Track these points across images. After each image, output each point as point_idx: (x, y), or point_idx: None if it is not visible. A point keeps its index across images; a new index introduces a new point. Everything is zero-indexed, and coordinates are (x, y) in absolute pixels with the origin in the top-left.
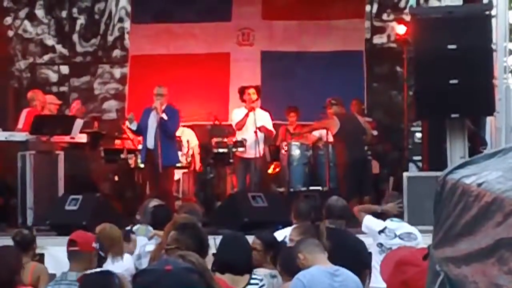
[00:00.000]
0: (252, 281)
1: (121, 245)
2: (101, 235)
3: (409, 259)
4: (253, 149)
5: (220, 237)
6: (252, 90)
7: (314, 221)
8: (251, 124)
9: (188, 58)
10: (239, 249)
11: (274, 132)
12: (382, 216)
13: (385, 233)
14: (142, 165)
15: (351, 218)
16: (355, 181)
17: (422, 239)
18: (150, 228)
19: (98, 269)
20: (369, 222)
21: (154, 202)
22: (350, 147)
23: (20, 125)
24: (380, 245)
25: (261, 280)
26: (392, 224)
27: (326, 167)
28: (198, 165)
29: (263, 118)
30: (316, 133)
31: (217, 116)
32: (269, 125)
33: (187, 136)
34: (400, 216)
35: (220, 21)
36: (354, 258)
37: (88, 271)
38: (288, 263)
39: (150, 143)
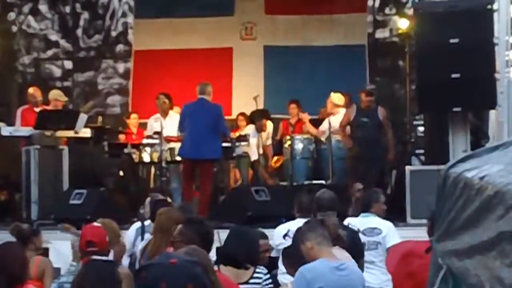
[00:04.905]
0: (255, 275)
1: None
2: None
3: (414, 251)
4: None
5: (223, 231)
6: None
7: (316, 214)
8: None
9: (191, 53)
10: (241, 243)
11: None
12: None
13: None
14: (146, 160)
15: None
16: None
17: (393, 232)
18: None
19: (104, 258)
20: None
21: (155, 197)
22: None
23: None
24: None
25: (265, 274)
26: (356, 220)
27: (329, 161)
28: None
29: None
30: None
31: None
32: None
33: None
34: (400, 210)
35: (223, 16)
36: (350, 247)
37: (93, 257)
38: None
39: None
